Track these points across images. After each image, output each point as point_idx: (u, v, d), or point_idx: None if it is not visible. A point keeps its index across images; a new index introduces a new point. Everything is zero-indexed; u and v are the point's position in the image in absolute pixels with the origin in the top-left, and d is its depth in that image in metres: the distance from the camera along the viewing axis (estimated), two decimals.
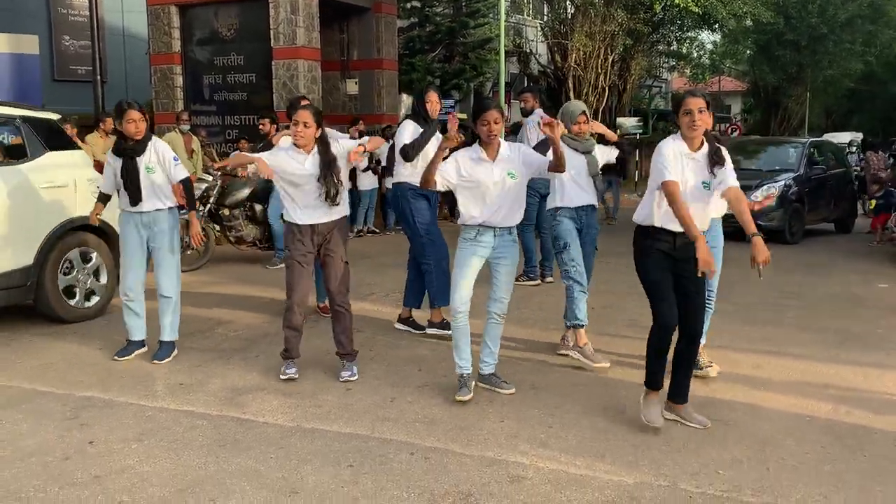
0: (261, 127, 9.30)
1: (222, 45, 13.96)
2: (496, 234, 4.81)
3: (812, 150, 13.21)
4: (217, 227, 9.51)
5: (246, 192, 9.39)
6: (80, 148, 7.36)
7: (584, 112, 5.75)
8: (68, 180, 6.67)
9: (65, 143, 6.98)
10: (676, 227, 4.23)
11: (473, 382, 4.93)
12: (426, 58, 23.43)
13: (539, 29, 25.58)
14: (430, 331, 6.28)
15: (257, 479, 3.77)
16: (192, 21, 14.19)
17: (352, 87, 16.29)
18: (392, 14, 16.60)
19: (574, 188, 5.67)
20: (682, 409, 4.46)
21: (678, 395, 4.45)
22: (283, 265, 8.79)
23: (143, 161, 5.51)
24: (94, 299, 6.89)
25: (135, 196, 5.50)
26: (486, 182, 4.73)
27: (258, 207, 9.45)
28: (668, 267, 4.37)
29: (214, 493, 3.65)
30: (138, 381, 5.25)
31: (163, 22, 14.12)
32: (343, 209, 5.25)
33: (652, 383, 4.44)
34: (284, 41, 13.21)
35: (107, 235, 6.81)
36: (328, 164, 5.05)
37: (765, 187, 11.86)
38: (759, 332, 6.50)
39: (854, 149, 16.98)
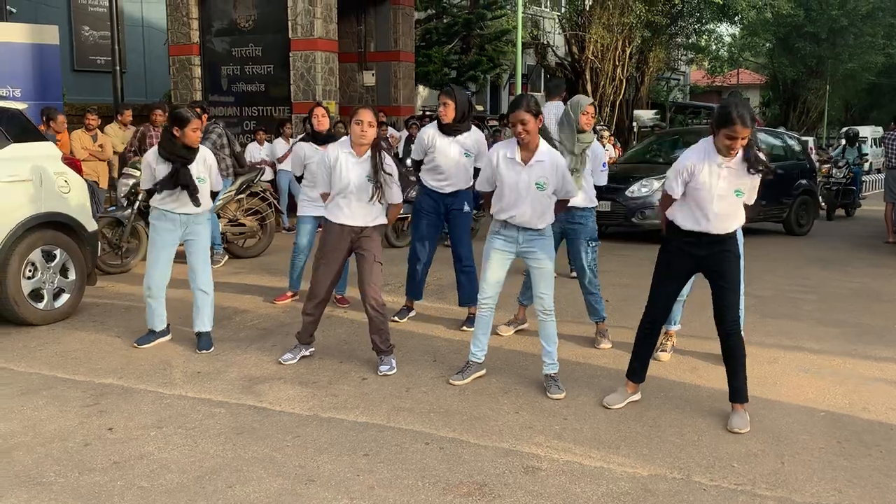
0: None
1: (240, 37, 14.01)
2: (520, 230, 4.80)
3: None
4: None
5: None
6: (46, 139, 7.02)
7: (591, 104, 5.76)
8: (33, 174, 6.31)
9: (31, 135, 6.61)
10: (699, 227, 4.29)
11: (477, 373, 5.03)
12: (443, 49, 23.40)
13: (556, 20, 25.47)
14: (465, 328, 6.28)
15: (274, 467, 3.81)
16: (210, 12, 14.23)
17: (369, 78, 16.30)
18: (410, 6, 16.59)
19: None
20: (734, 406, 4.40)
21: (730, 394, 4.44)
22: (223, 259, 8.98)
23: (193, 170, 5.55)
24: (64, 297, 6.52)
25: (195, 200, 5.55)
26: (511, 183, 4.72)
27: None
28: (684, 266, 4.42)
29: (231, 479, 3.68)
30: (157, 368, 5.30)
31: (182, 13, 14.17)
32: (382, 216, 5.28)
33: (628, 373, 4.65)
34: (302, 32, 13.23)
35: (73, 231, 6.56)
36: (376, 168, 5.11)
37: (642, 181, 10.80)
38: (776, 325, 6.48)
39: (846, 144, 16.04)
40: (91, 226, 6.79)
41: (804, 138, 16.48)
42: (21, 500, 3.48)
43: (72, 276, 6.57)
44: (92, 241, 6.79)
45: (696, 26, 24.63)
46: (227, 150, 9.01)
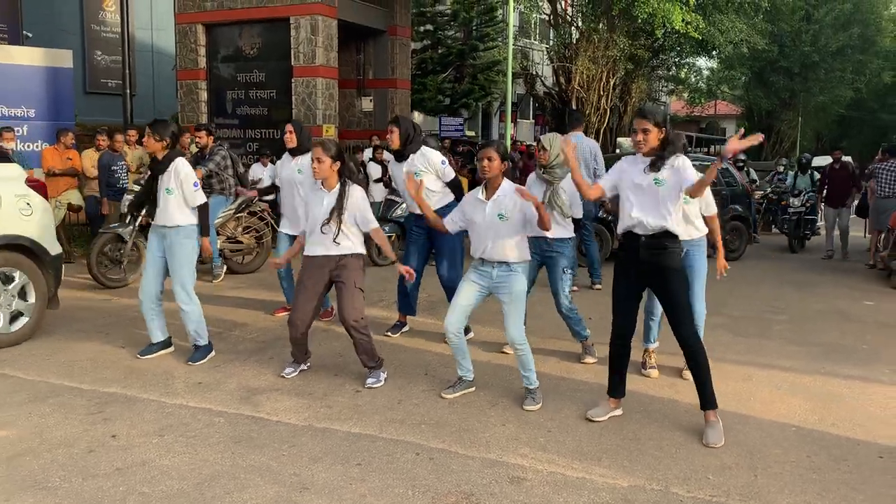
0: (197, 140, 8.79)
1: (245, 63, 14.04)
2: (494, 266, 4.81)
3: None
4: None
5: None
6: (11, 160, 6.74)
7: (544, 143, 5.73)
8: None
9: None
10: (638, 229, 4.35)
11: (467, 389, 5.04)
12: (437, 78, 23.52)
13: (545, 53, 25.63)
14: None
15: (270, 475, 3.78)
16: (217, 39, 14.27)
17: (367, 104, 16.36)
18: (406, 37, 16.68)
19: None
20: (706, 416, 4.43)
21: (700, 401, 4.47)
22: (222, 272, 8.94)
23: (162, 181, 5.51)
24: (22, 321, 6.08)
25: (151, 212, 5.61)
26: (479, 221, 4.79)
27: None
28: (632, 277, 4.47)
29: (230, 486, 3.66)
30: (159, 379, 5.27)
31: (190, 39, 14.21)
32: (356, 245, 5.18)
33: (608, 389, 4.68)
34: (304, 60, 13.28)
35: (33, 253, 6.15)
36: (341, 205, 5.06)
37: None
38: (749, 344, 6.49)
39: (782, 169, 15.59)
40: (54, 249, 6.35)
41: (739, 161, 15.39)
42: None
43: (31, 299, 6.14)
44: (54, 265, 6.32)
45: (677, 60, 24.83)
46: (230, 170, 8.95)
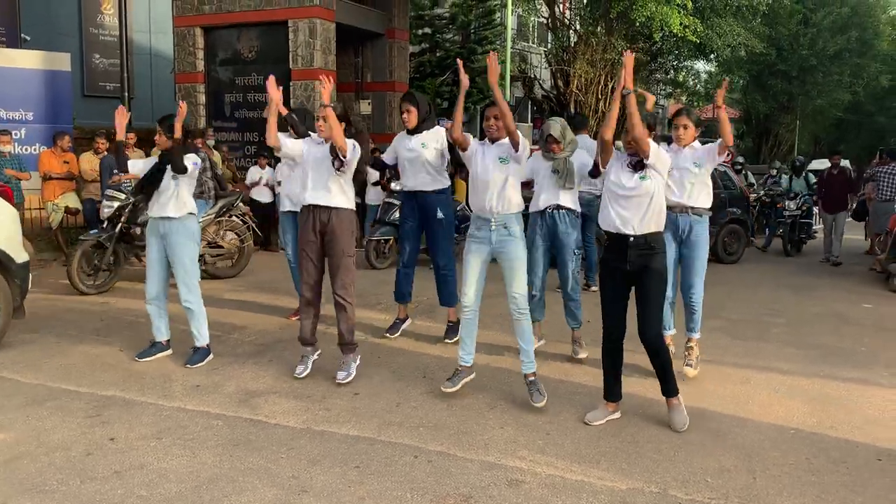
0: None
1: (243, 66, 14.05)
2: (492, 228, 4.85)
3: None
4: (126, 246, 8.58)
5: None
6: None
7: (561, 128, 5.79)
8: None
9: None
10: (618, 228, 4.46)
11: (467, 377, 5.04)
12: (435, 81, 23.54)
13: (543, 56, 25.67)
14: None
15: (268, 478, 3.78)
16: (215, 42, 14.28)
17: (365, 107, 16.37)
18: (404, 40, 16.71)
19: (539, 192, 5.79)
20: (668, 402, 4.59)
21: (662, 388, 4.60)
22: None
23: (169, 172, 5.54)
24: None
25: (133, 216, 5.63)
26: (477, 168, 4.89)
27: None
28: (619, 280, 4.54)
29: (228, 489, 3.65)
30: (157, 381, 5.26)
31: (188, 43, 14.22)
32: (346, 199, 5.27)
33: (605, 393, 4.69)
34: (302, 63, 13.29)
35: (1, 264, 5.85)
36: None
37: None
38: (747, 347, 6.49)
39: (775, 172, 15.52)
40: (21, 257, 6.02)
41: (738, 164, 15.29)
42: None
43: None
44: (21, 274, 6.00)
45: (675, 63, 24.83)
46: (208, 172, 8.82)
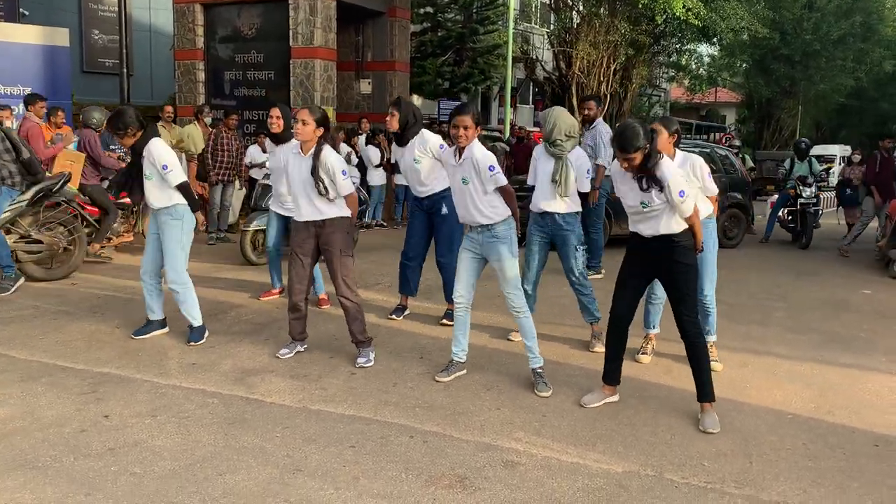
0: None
1: (243, 43, 13.93)
2: (477, 231, 4.88)
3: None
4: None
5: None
6: None
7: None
8: None
9: None
10: (640, 231, 4.40)
11: (460, 371, 5.03)
12: (437, 61, 23.41)
13: (545, 37, 25.49)
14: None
15: (263, 456, 3.76)
16: (215, 19, 14.15)
17: (365, 87, 16.25)
18: (406, 19, 16.55)
19: (538, 194, 5.76)
20: (702, 407, 4.39)
21: (697, 393, 4.43)
22: (13, 287, 7.07)
23: (144, 164, 5.49)
24: None
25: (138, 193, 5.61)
26: (454, 184, 4.94)
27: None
28: (640, 268, 4.49)
29: (222, 468, 3.63)
30: (153, 359, 5.24)
31: (188, 19, 14.09)
32: (338, 209, 5.17)
33: (603, 376, 4.64)
34: (303, 41, 13.18)
35: None
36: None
37: None
38: (746, 331, 6.47)
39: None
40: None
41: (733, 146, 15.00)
42: (17, 484, 3.42)
43: None
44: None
45: (678, 46, 24.68)
46: (10, 154, 7.24)
